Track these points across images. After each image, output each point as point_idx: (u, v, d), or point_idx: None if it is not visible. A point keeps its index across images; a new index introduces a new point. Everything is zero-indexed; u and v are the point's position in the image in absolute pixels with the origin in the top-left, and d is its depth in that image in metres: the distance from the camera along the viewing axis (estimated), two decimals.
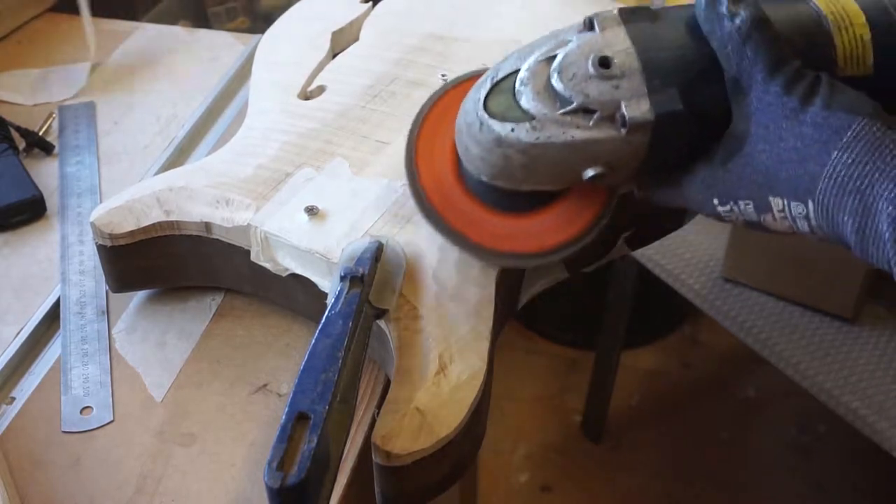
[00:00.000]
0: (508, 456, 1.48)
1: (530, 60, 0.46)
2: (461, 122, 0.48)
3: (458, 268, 0.50)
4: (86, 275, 0.58)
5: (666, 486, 1.45)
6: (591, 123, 0.44)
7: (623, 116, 0.43)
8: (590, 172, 0.45)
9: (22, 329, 0.55)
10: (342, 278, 0.46)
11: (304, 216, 0.52)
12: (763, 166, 0.42)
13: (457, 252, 0.51)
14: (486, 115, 0.46)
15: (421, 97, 0.61)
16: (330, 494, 0.40)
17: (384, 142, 0.58)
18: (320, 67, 0.66)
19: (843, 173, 0.39)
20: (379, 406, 0.48)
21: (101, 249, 0.54)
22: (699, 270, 1.13)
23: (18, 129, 0.70)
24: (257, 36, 0.79)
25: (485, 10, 0.71)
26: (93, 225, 0.54)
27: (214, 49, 0.83)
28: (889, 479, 1.39)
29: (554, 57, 0.45)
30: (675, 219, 0.61)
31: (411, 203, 0.53)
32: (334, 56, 0.68)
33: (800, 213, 0.41)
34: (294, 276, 0.52)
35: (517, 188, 0.48)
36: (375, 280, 0.48)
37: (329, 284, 0.50)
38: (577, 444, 1.51)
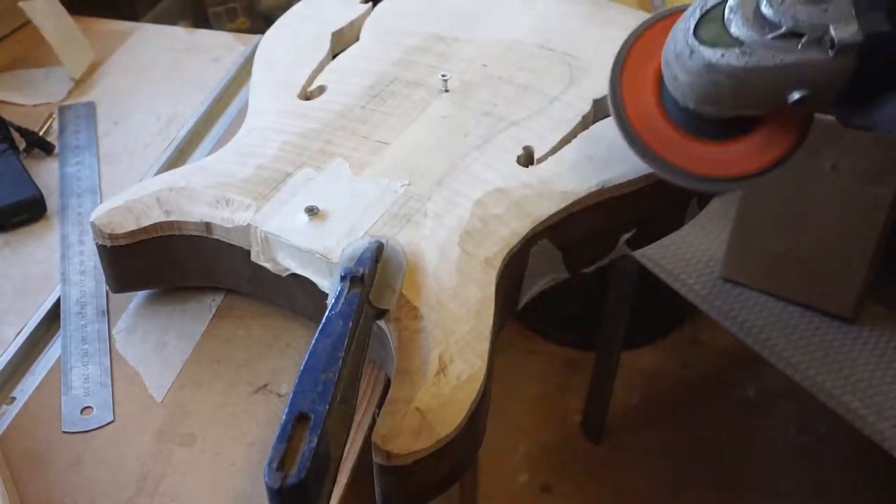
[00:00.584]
0: (508, 456, 1.48)
1: None
2: (669, 52, 0.50)
3: (458, 268, 0.50)
4: (86, 275, 0.58)
5: (666, 486, 1.45)
6: (799, 47, 0.45)
7: (832, 39, 0.45)
8: (795, 96, 0.47)
9: (22, 329, 0.55)
10: (342, 278, 0.46)
11: (305, 216, 0.52)
12: None
13: (457, 252, 0.51)
14: (696, 43, 0.48)
15: (421, 97, 0.62)
16: (330, 494, 0.40)
17: (384, 142, 0.58)
18: (320, 67, 0.66)
19: None
20: (379, 406, 0.48)
21: (102, 249, 0.54)
22: (699, 270, 1.13)
23: (18, 129, 0.70)
24: (257, 36, 0.79)
25: (485, 10, 0.71)
26: (93, 225, 0.54)
27: (214, 49, 0.83)
28: (889, 479, 1.39)
29: None
30: (675, 219, 0.61)
31: (412, 203, 0.53)
32: (334, 56, 0.68)
33: None
34: (294, 276, 0.52)
35: (722, 114, 0.50)
36: (375, 280, 0.48)
37: (329, 284, 0.50)
38: (577, 444, 1.51)
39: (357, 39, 0.70)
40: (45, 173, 0.68)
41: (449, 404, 0.44)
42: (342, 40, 0.70)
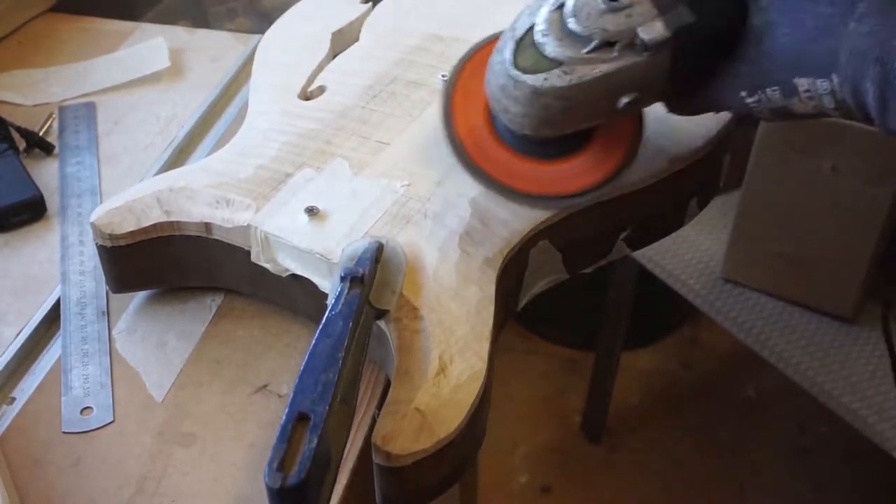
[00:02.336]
0: (508, 456, 1.48)
1: (542, 12, 0.48)
2: (493, 87, 0.51)
3: (458, 268, 0.50)
4: (86, 275, 0.58)
5: (666, 486, 1.45)
6: (614, 54, 0.47)
7: (642, 41, 0.46)
8: (624, 100, 0.48)
9: (22, 329, 0.55)
10: (342, 279, 0.46)
11: (305, 217, 0.52)
12: (787, 49, 0.44)
13: (457, 252, 0.51)
14: (518, 73, 0.48)
15: (421, 97, 0.62)
16: (330, 495, 0.40)
17: (384, 142, 0.58)
18: (320, 67, 0.66)
19: (860, 42, 0.41)
20: (379, 406, 0.48)
21: (102, 250, 0.54)
22: (699, 270, 1.13)
23: (18, 129, 0.70)
24: (257, 36, 0.79)
25: (485, 10, 0.71)
26: (93, 225, 0.54)
27: (214, 49, 0.83)
28: (889, 479, 1.39)
29: (562, 4, 0.48)
30: (675, 219, 0.61)
31: (412, 203, 0.53)
32: (334, 56, 0.68)
33: (825, 90, 0.44)
34: (294, 276, 0.52)
35: (560, 134, 0.51)
36: (375, 280, 0.48)
37: (329, 285, 0.50)
38: (577, 444, 1.51)
39: (357, 39, 0.70)
40: (45, 173, 0.68)
41: (449, 405, 0.44)
42: (342, 40, 0.70)
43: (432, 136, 0.59)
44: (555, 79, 0.47)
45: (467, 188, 0.54)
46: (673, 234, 0.62)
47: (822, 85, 0.44)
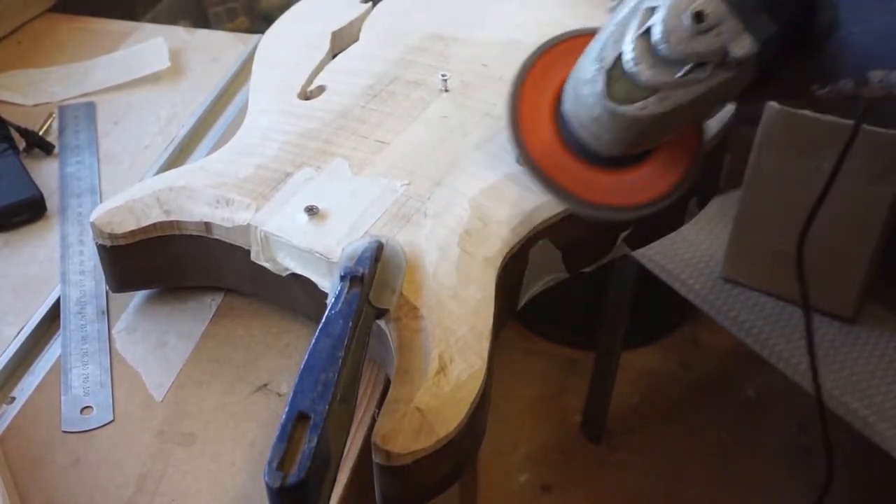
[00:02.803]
0: (508, 456, 1.48)
1: (628, 40, 0.48)
2: (585, 119, 0.51)
3: (458, 267, 0.50)
4: (86, 275, 0.58)
5: (666, 486, 1.45)
6: (707, 74, 0.47)
7: (734, 59, 0.46)
8: (711, 113, 0.51)
9: (22, 329, 0.55)
10: (342, 278, 0.46)
11: (304, 216, 0.52)
12: (859, 46, 0.46)
13: (457, 252, 0.51)
14: (615, 105, 0.49)
15: (421, 97, 0.62)
16: (330, 494, 0.40)
17: (384, 142, 0.58)
18: (320, 67, 0.66)
19: None
20: (379, 406, 0.48)
21: (101, 249, 0.54)
22: (699, 270, 1.13)
23: (18, 129, 0.70)
24: (257, 36, 0.79)
25: (485, 10, 0.71)
26: (93, 225, 0.54)
27: (214, 49, 0.83)
28: (889, 479, 1.39)
29: (649, 29, 0.47)
30: (675, 218, 0.61)
31: (411, 203, 0.53)
32: (334, 56, 0.68)
33: None
34: (294, 275, 0.52)
35: (650, 147, 0.52)
36: (375, 280, 0.48)
37: (329, 284, 0.50)
38: (577, 444, 1.51)
39: (357, 39, 0.70)
40: (45, 173, 0.68)
41: (449, 404, 0.44)
42: (342, 40, 0.70)
43: (434, 135, 0.59)
44: (653, 106, 0.48)
45: (467, 188, 0.54)
46: (673, 234, 0.62)
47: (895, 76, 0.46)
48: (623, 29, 0.48)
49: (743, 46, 0.46)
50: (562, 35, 0.55)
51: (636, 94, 0.48)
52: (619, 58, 0.48)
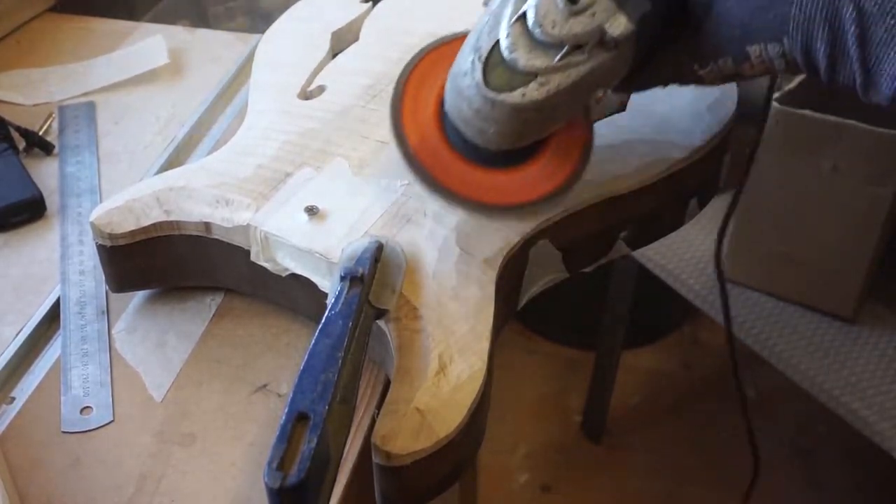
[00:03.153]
0: (508, 456, 1.48)
1: (503, 27, 0.47)
2: (466, 111, 0.49)
3: (458, 268, 0.50)
4: (86, 275, 0.58)
5: (666, 486, 1.45)
6: (585, 56, 0.46)
7: (612, 39, 0.46)
8: (595, 96, 0.49)
9: (22, 329, 0.55)
10: (342, 278, 0.46)
11: (304, 216, 0.52)
12: (737, 21, 0.46)
13: (457, 252, 0.51)
14: (494, 94, 0.47)
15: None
16: (330, 494, 0.40)
17: (384, 142, 0.58)
18: (320, 67, 0.66)
19: (809, 6, 0.43)
20: (379, 406, 0.48)
21: (101, 249, 0.54)
22: (699, 270, 1.13)
23: (18, 129, 0.70)
24: (257, 36, 0.79)
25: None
26: (93, 225, 0.54)
27: (214, 49, 0.83)
28: (889, 479, 1.39)
29: (524, 15, 0.47)
30: (675, 219, 0.61)
31: (411, 203, 0.53)
32: (334, 56, 0.68)
33: (776, 53, 0.45)
34: (294, 276, 0.52)
35: (536, 139, 0.50)
36: (375, 280, 0.48)
37: (329, 284, 0.50)
38: (577, 444, 1.51)
39: (357, 39, 0.70)
40: (45, 173, 0.68)
41: (449, 404, 0.44)
42: (342, 40, 0.70)
43: None
44: (533, 92, 0.47)
45: None
46: (673, 234, 0.62)
47: (773, 49, 0.45)
48: (498, 18, 0.48)
49: (619, 25, 0.46)
50: (442, 38, 0.54)
51: (515, 81, 0.47)
52: (495, 46, 0.48)
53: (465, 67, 0.48)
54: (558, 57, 0.46)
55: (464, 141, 0.51)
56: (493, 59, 0.47)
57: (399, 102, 0.53)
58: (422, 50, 0.54)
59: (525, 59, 0.47)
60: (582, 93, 0.48)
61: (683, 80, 0.50)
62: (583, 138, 0.53)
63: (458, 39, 0.52)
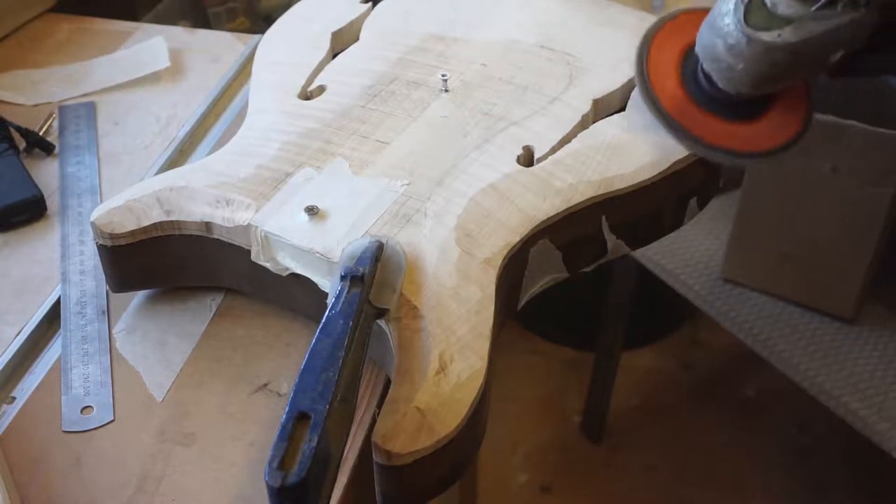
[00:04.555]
0: (508, 456, 1.48)
1: None
2: (721, 49, 0.55)
3: (458, 267, 0.50)
4: (86, 275, 0.58)
5: (666, 486, 1.45)
6: (838, 11, 0.52)
7: None
8: (835, 56, 0.54)
9: (22, 329, 0.55)
10: (342, 278, 0.46)
11: (305, 216, 0.52)
12: None
13: (457, 252, 0.51)
14: (751, 31, 0.53)
15: (421, 97, 0.62)
16: (330, 494, 0.40)
17: (384, 142, 0.58)
18: (320, 67, 0.66)
19: None
20: (379, 406, 0.48)
21: (102, 249, 0.54)
22: (699, 270, 1.13)
23: (18, 129, 0.70)
24: (257, 36, 0.79)
25: (485, 11, 0.71)
26: (93, 225, 0.54)
27: (214, 49, 0.83)
28: (889, 479, 1.39)
29: None
30: (675, 219, 0.61)
31: (411, 202, 0.54)
32: (334, 56, 0.68)
33: None
34: (294, 275, 0.52)
35: (772, 90, 0.57)
36: (376, 280, 0.48)
37: (329, 284, 0.50)
38: (577, 444, 1.51)
39: (357, 39, 0.70)
40: (45, 173, 0.68)
41: (449, 404, 0.44)
42: (342, 40, 0.70)
43: (434, 135, 0.59)
44: (788, 34, 0.52)
45: (467, 188, 0.54)
46: (673, 234, 0.62)
47: None
48: None
49: None
50: (686, 8, 0.61)
51: (774, 23, 0.53)
52: None
53: (727, 8, 0.54)
54: (815, 6, 0.52)
55: (704, 93, 0.58)
56: (754, 2, 0.53)
57: (645, 56, 0.60)
58: (661, 19, 0.61)
59: (786, 4, 0.52)
60: (828, 47, 0.53)
61: None
62: (805, 100, 0.59)
63: (696, 12, 0.59)
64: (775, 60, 0.53)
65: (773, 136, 0.58)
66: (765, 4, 0.53)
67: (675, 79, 0.59)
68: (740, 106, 0.58)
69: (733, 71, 0.55)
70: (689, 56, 0.59)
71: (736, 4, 0.54)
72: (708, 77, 0.57)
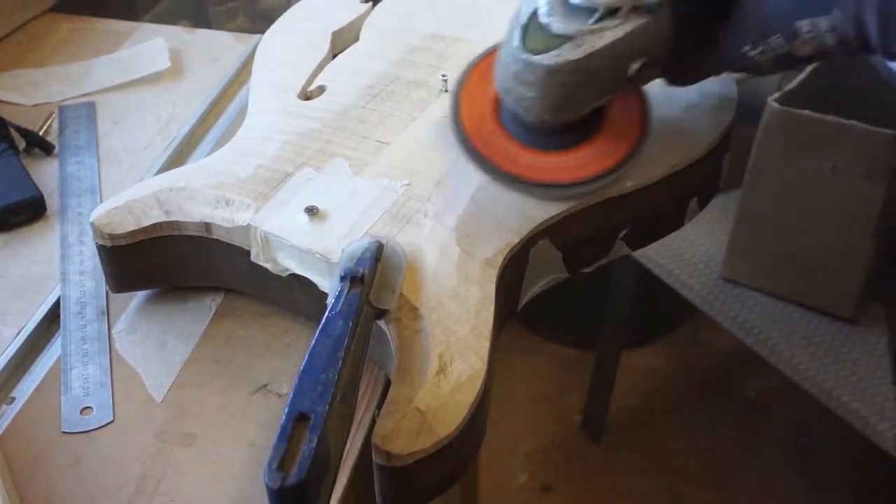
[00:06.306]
0: (508, 456, 1.48)
1: None
2: (506, 78, 0.52)
3: (458, 268, 0.50)
4: (86, 275, 0.58)
5: (666, 486, 1.45)
6: (619, 21, 0.49)
7: (646, 4, 0.48)
8: (634, 67, 0.50)
9: (22, 329, 0.55)
10: (342, 278, 0.46)
11: (304, 216, 0.52)
12: None
13: (457, 252, 0.51)
14: (529, 55, 0.50)
15: (421, 97, 0.62)
16: (330, 495, 0.40)
17: (384, 142, 0.58)
18: (320, 67, 0.66)
19: None
20: (379, 406, 0.48)
21: (102, 250, 0.54)
22: (699, 270, 1.13)
23: (18, 129, 0.70)
24: (257, 36, 0.79)
25: (485, 11, 0.71)
26: (93, 225, 0.54)
27: (214, 49, 0.83)
28: (889, 479, 1.39)
29: None
30: (675, 219, 0.61)
31: (412, 203, 0.53)
32: (334, 56, 0.68)
33: (826, 28, 0.46)
34: (294, 276, 0.52)
35: (577, 115, 0.53)
36: (375, 280, 0.48)
37: (329, 284, 0.50)
38: (577, 444, 1.51)
39: (357, 39, 0.70)
40: (45, 173, 0.68)
41: (449, 404, 0.44)
42: (342, 40, 0.70)
43: (434, 135, 0.59)
44: (567, 53, 0.49)
45: (467, 187, 0.54)
46: (673, 234, 0.62)
47: (823, 23, 0.46)
48: None
49: None
50: (491, 47, 0.57)
51: (551, 44, 0.49)
52: (534, 13, 0.50)
53: (509, 37, 0.51)
54: (592, 20, 0.48)
55: (518, 124, 0.54)
56: (531, 25, 0.50)
57: (457, 99, 0.57)
58: (482, 53, 0.58)
59: (560, 22, 0.49)
60: (618, 59, 0.49)
61: (737, 64, 0.51)
62: (638, 120, 0.55)
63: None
64: (563, 82, 0.50)
65: (590, 165, 0.54)
66: (541, 26, 0.50)
67: (493, 119, 0.56)
68: (561, 135, 0.54)
69: (525, 100, 0.52)
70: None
71: (513, 31, 0.51)
72: (513, 111, 0.54)
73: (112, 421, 0.50)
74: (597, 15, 0.48)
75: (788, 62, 0.49)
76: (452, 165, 0.56)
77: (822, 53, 0.48)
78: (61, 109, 0.75)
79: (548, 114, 0.52)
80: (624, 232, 0.57)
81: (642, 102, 0.56)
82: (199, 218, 0.54)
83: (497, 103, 0.56)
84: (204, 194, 0.54)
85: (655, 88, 0.62)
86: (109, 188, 0.66)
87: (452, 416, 0.44)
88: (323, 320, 0.44)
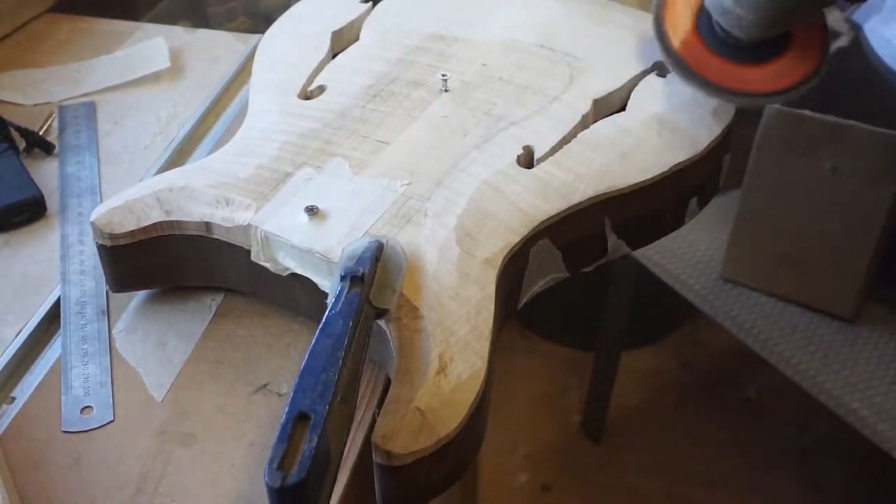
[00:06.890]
0: (508, 456, 1.48)
1: None
2: (727, 2, 0.57)
3: (458, 267, 0.50)
4: (86, 275, 0.58)
5: (666, 486, 1.45)
6: None
7: None
8: None
9: (22, 329, 0.55)
10: (342, 278, 0.46)
11: (305, 216, 0.52)
12: None
13: (457, 252, 0.51)
14: None
15: (421, 97, 0.62)
16: (330, 494, 0.40)
17: (384, 142, 0.58)
18: (320, 67, 0.66)
19: None
20: (379, 406, 0.48)
21: (102, 249, 0.54)
22: (699, 270, 1.13)
23: (18, 129, 0.70)
24: (257, 36, 0.79)
25: (485, 10, 0.71)
26: (93, 225, 0.54)
27: (214, 49, 0.83)
28: (889, 479, 1.39)
29: None
30: (675, 219, 0.61)
31: (412, 203, 0.53)
32: (334, 56, 0.68)
33: None
34: (294, 275, 0.52)
35: (782, 31, 0.59)
36: (376, 280, 0.48)
37: (329, 284, 0.50)
38: (577, 444, 1.51)
39: (357, 39, 0.70)
40: (45, 173, 0.68)
41: (449, 404, 0.44)
42: (342, 40, 0.70)
43: (433, 136, 0.59)
44: None
45: (467, 187, 0.54)
46: (673, 234, 0.62)
47: None
48: None
49: None
50: None
51: None
52: None
53: None
54: None
55: (719, 38, 0.60)
56: None
57: (661, 15, 0.62)
58: None
59: None
60: None
61: None
62: (820, 37, 0.61)
63: None
64: (779, 4, 0.56)
65: (789, 74, 0.60)
66: None
67: (690, 28, 0.62)
68: (756, 49, 0.60)
69: (743, 21, 0.57)
70: (703, 10, 0.62)
71: None
72: (722, 27, 0.59)
73: (112, 421, 0.50)
74: None
75: None
76: (453, 165, 0.56)
77: None
78: (61, 109, 0.75)
79: (762, 31, 0.57)
80: (624, 233, 0.57)
81: (822, 30, 0.62)
82: (200, 218, 0.54)
83: (696, 19, 0.62)
84: (204, 194, 0.55)
85: (655, 88, 0.62)
86: (109, 188, 0.66)
87: (452, 416, 0.44)
88: (323, 320, 0.44)
